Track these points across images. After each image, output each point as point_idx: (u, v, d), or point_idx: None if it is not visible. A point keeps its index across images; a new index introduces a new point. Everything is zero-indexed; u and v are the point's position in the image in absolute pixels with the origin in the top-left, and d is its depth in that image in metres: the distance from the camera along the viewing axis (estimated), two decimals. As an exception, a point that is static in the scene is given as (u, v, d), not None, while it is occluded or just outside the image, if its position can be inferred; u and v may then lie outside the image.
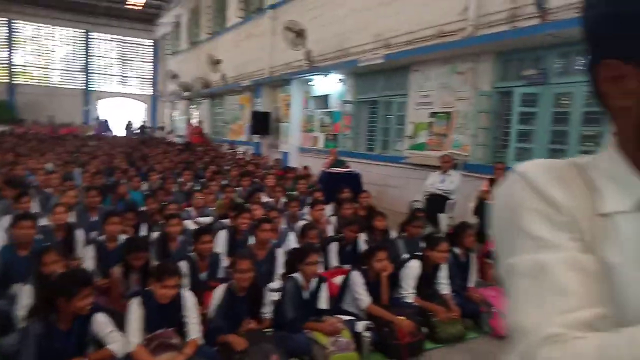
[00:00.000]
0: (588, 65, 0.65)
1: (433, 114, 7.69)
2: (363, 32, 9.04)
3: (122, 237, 3.81)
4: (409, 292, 3.74)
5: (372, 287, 3.58)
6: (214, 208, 5.85)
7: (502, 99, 6.72)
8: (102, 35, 27.87)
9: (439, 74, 7.56)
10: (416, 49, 7.66)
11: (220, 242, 4.06)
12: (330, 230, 5.27)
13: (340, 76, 10.03)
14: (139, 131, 25.57)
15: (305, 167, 9.49)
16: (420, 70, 7.96)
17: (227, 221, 4.92)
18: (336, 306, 3.59)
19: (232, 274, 3.02)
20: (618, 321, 0.58)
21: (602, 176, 0.66)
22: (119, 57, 28.88)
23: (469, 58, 6.98)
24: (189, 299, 2.81)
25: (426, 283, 3.82)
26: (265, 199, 6.27)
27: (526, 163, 0.69)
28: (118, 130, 25.89)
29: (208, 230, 3.67)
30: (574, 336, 0.53)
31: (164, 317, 2.72)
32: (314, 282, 3.42)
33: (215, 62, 16.42)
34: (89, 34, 27.30)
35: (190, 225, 4.91)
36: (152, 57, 29.37)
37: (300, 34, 10.37)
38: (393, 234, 5.02)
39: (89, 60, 27.48)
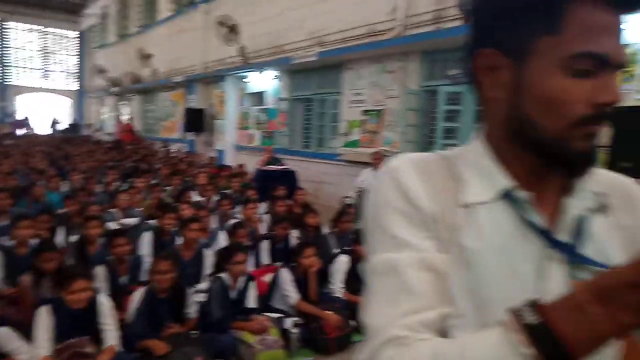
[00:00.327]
0: (467, 53, 0.66)
1: (365, 112, 7.85)
2: (297, 30, 9.04)
3: (34, 242, 3.55)
4: (338, 286, 3.80)
5: (301, 283, 3.60)
6: (142, 208, 5.62)
7: (429, 97, 6.99)
8: (20, 25, 25.81)
9: (370, 72, 7.73)
10: (348, 48, 7.77)
11: (145, 244, 3.90)
12: (263, 228, 5.24)
13: (275, 73, 9.97)
14: (68, 128, 23.97)
15: (241, 165, 9.36)
16: (352, 68, 8.09)
17: (154, 222, 4.73)
18: (265, 304, 3.57)
19: (152, 275, 2.90)
20: (479, 316, 0.59)
21: (467, 167, 0.67)
22: (41, 49, 26.91)
23: (398, 57, 7.19)
24: (104, 304, 2.66)
25: (355, 277, 3.90)
26: (196, 197, 6.11)
27: (396, 158, 0.69)
28: (40, 127, 24.12)
29: (123, 233, 3.49)
30: (416, 339, 0.53)
31: (77, 325, 2.56)
32: (241, 281, 3.38)
33: (146, 57, 15.75)
34: (4, 23, 25.19)
35: (114, 227, 4.68)
36: (77, 50, 27.64)
37: (233, 29, 10.19)
38: (325, 230, 5.08)
39: (4, 52, 25.35)
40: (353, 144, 8.14)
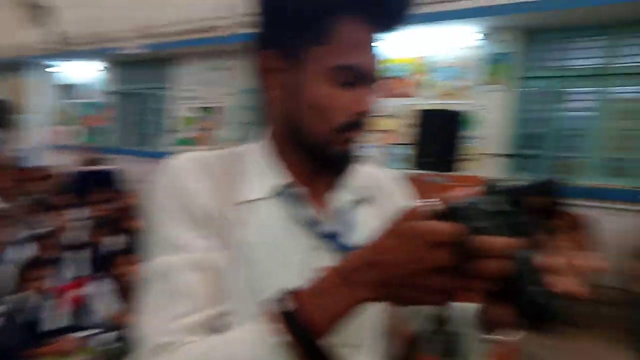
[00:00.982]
0: (253, 55, 0.68)
1: (199, 109, 7.64)
2: (124, 19, 8.30)
3: None
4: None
5: (122, 292, 3.28)
6: None
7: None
8: None
9: (204, 69, 7.57)
10: (179, 42, 7.47)
11: None
12: (79, 236, 4.66)
13: (98, 64, 9.02)
14: None
15: (52, 166, 8.20)
16: (184, 64, 7.82)
17: None
18: (77, 321, 3.16)
19: None
20: (258, 310, 0.58)
21: (249, 165, 0.70)
22: None
23: (232, 55, 7.15)
24: None
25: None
26: (-10, 204, 5.13)
27: (177, 156, 0.67)
28: None
29: None
30: (184, 342, 0.52)
31: None
32: (44, 298, 2.92)
33: None
34: None
35: None
36: None
37: (43, 10, 8.87)
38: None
39: None
40: (187, 141, 7.83)
